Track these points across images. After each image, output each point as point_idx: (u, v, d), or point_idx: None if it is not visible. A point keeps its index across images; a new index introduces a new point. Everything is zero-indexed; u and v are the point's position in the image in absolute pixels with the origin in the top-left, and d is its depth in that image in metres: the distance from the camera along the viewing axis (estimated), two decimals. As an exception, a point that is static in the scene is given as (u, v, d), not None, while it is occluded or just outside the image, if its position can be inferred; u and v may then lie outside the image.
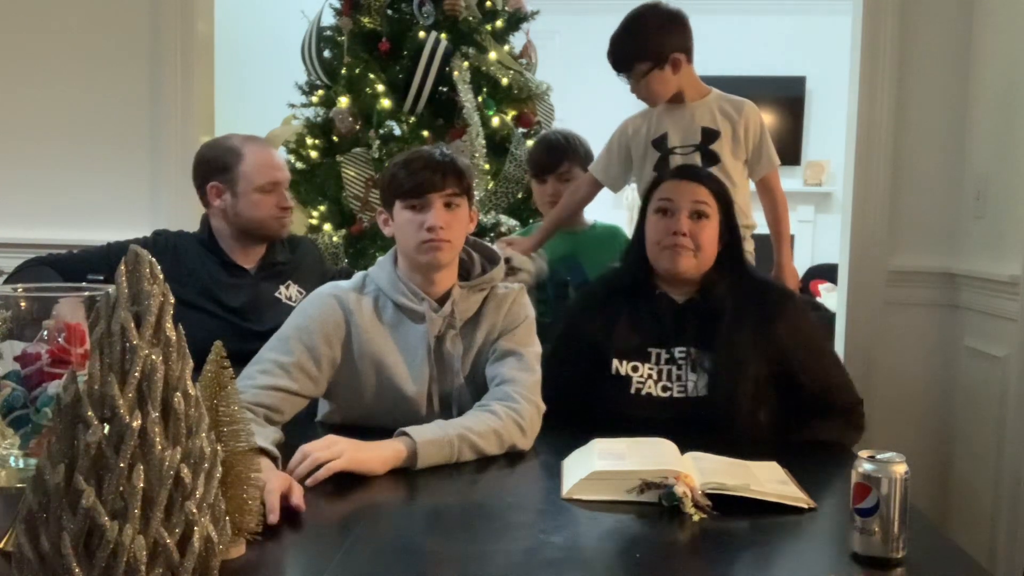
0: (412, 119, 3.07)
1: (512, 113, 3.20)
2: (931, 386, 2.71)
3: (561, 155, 2.55)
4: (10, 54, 2.89)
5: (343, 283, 1.77)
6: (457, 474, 1.50)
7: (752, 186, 2.45)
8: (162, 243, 2.15)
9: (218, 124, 3.02)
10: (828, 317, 3.23)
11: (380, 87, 3.07)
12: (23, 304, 1.38)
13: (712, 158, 2.33)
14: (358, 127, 3.10)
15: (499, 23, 3.23)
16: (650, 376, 1.81)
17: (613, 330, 1.85)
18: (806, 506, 1.33)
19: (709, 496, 1.31)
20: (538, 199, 2.65)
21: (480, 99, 3.08)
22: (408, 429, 1.51)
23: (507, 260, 2.02)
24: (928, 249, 2.71)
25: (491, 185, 3.05)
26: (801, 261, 6.12)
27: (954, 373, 2.67)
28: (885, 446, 1.23)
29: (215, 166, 2.13)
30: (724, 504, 1.30)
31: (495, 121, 3.10)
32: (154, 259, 0.94)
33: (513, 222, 3.04)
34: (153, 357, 0.90)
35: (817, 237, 6.86)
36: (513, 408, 1.61)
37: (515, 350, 1.72)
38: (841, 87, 2.98)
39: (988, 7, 2.58)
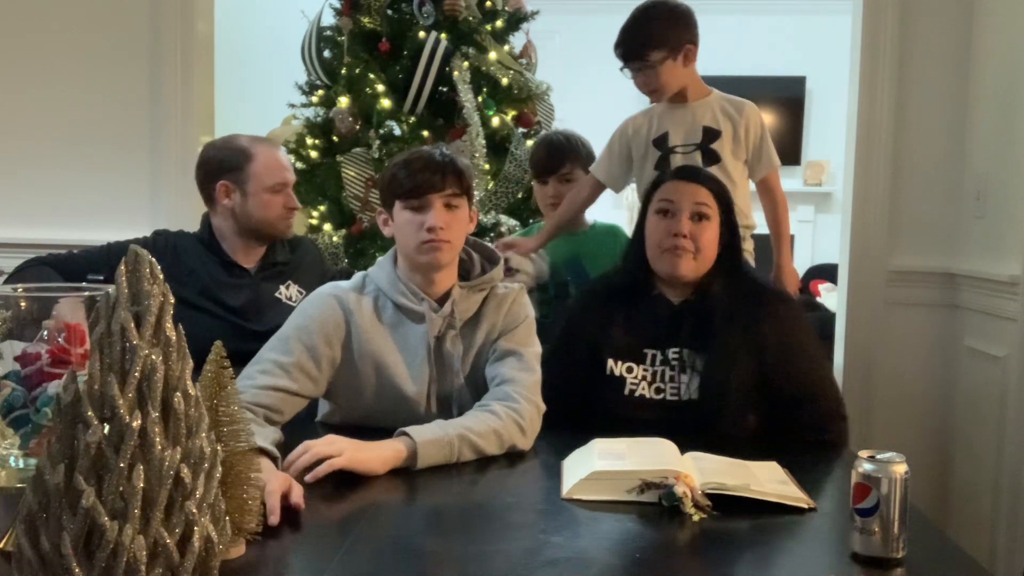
0: (412, 119, 3.07)
1: (512, 113, 3.20)
2: (931, 386, 2.71)
3: (563, 156, 2.55)
4: (10, 54, 2.89)
5: (343, 283, 1.77)
6: (457, 474, 1.50)
7: (752, 186, 2.45)
8: (162, 243, 2.16)
9: (218, 124, 3.02)
10: (828, 317, 3.23)
11: (380, 87, 3.07)
12: (23, 304, 1.38)
13: (713, 157, 2.33)
14: (358, 127, 3.10)
15: (499, 23, 3.23)
16: (644, 377, 1.81)
17: (610, 330, 1.84)
18: (806, 506, 1.33)
19: (709, 496, 1.31)
20: (539, 199, 2.65)
21: (480, 99, 3.08)
22: (408, 429, 1.51)
23: (505, 260, 2.01)
24: (928, 249, 2.71)
25: (491, 185, 3.05)
26: (801, 261, 6.12)
27: (954, 373, 2.67)
28: (885, 446, 1.23)
29: (225, 166, 2.14)
30: (724, 504, 1.30)
31: (495, 121, 3.10)
32: (154, 259, 0.94)
33: (513, 222, 3.04)
34: (153, 357, 0.90)
35: (817, 237, 6.86)
36: (513, 408, 1.61)
37: (515, 350, 1.72)
38: (841, 87, 2.98)
39: (988, 7, 2.58)
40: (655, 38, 2.29)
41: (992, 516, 2.38)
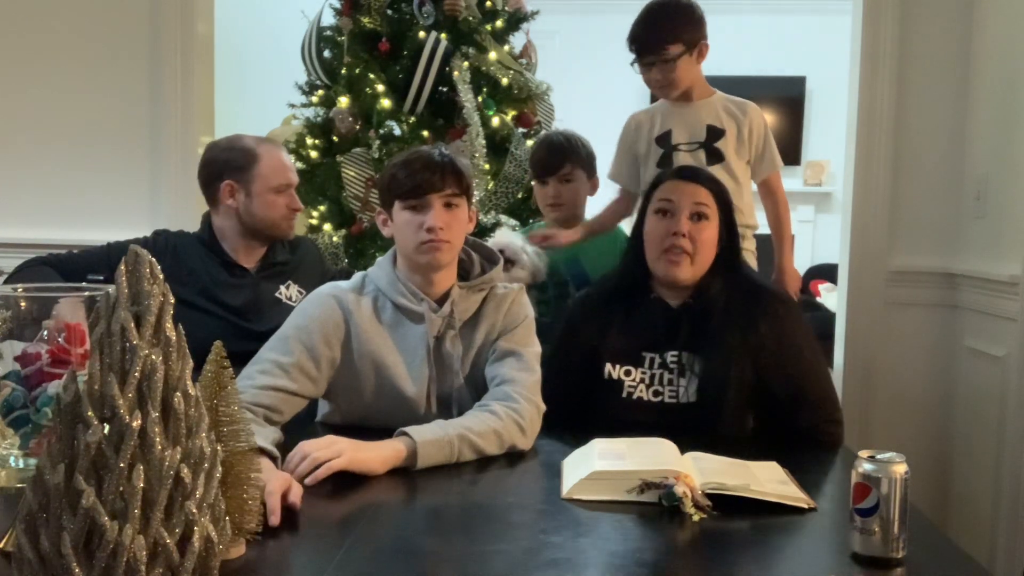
0: (412, 119, 3.07)
1: (512, 113, 3.20)
2: (931, 386, 2.71)
3: (563, 156, 2.55)
4: (10, 55, 2.89)
5: (343, 283, 1.77)
6: (457, 474, 1.50)
7: (753, 187, 2.44)
8: (162, 243, 2.16)
9: (218, 124, 3.02)
10: (828, 317, 3.23)
11: (380, 87, 3.07)
12: (23, 304, 1.38)
13: (716, 156, 2.33)
14: (358, 127, 3.10)
15: (499, 23, 3.23)
16: (642, 380, 1.81)
17: (608, 334, 1.84)
18: (806, 506, 1.33)
19: (709, 496, 1.31)
20: (539, 200, 2.65)
21: (480, 99, 3.08)
22: (408, 429, 1.51)
23: (502, 251, 2.00)
24: (928, 249, 2.71)
25: (491, 185, 3.05)
26: (801, 261, 6.12)
27: (954, 373, 2.67)
28: (885, 446, 1.23)
29: (231, 166, 2.15)
30: (724, 504, 1.30)
31: (495, 121, 3.10)
32: (154, 259, 0.94)
33: (513, 222, 3.04)
34: (153, 357, 0.90)
35: (817, 237, 6.86)
36: (513, 408, 1.61)
37: (515, 350, 1.72)
38: (841, 87, 2.98)
39: (988, 7, 2.58)
40: (674, 32, 2.30)
41: (992, 516, 2.38)
